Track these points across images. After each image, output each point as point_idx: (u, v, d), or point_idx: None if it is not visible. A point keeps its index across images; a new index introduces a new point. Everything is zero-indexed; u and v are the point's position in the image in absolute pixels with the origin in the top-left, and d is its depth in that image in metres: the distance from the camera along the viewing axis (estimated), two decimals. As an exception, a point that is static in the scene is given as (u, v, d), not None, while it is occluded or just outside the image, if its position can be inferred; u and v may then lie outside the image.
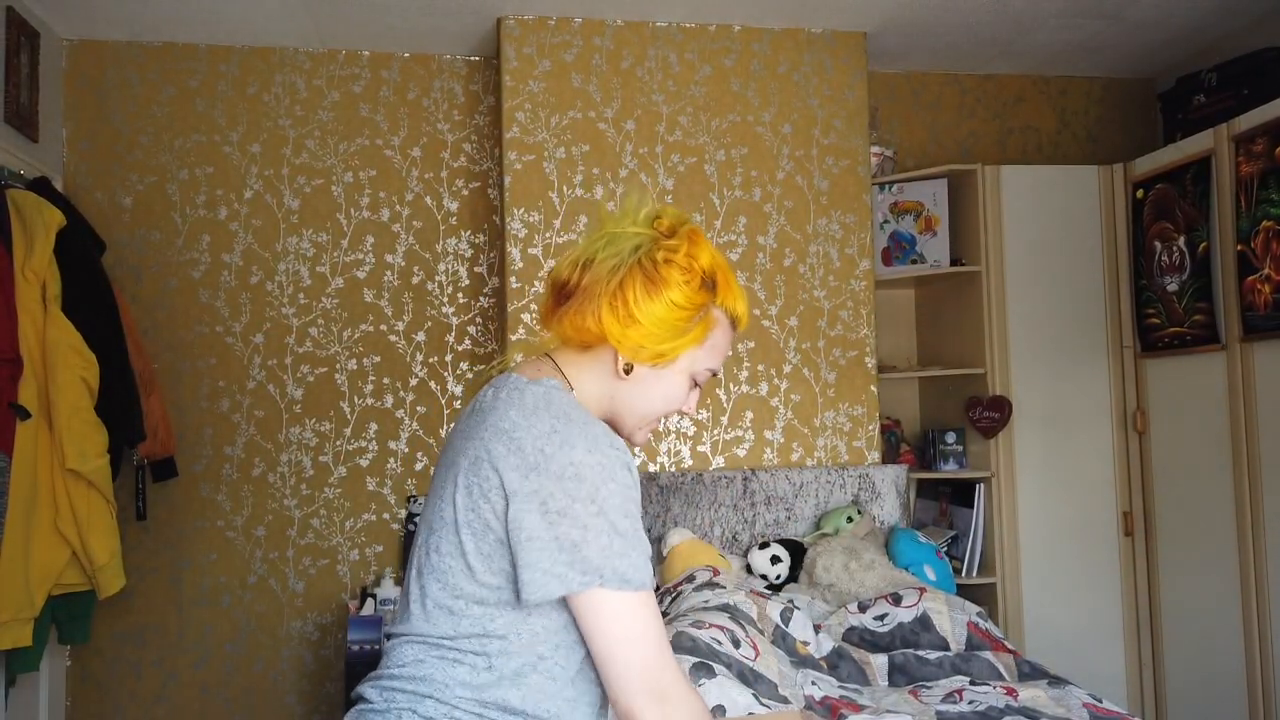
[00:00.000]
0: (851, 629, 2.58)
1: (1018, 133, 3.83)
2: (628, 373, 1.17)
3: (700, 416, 3.19)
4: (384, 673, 1.14)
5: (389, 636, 1.18)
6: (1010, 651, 2.47)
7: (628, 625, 1.05)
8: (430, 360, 3.36)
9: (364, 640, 2.79)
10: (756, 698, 2.03)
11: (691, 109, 3.24)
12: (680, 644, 2.19)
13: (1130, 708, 3.21)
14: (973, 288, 3.34)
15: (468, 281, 3.39)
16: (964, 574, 3.24)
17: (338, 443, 3.29)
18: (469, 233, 3.41)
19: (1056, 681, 2.25)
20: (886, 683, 2.36)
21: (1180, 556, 3.13)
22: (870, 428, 3.28)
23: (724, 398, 3.21)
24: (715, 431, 3.20)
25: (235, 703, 3.19)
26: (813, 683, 2.21)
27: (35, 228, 2.42)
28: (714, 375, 1.22)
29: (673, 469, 3.16)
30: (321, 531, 3.26)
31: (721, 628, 2.27)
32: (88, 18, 3.07)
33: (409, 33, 3.23)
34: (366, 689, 1.14)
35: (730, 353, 1.11)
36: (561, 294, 1.19)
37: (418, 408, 3.33)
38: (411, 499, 3.29)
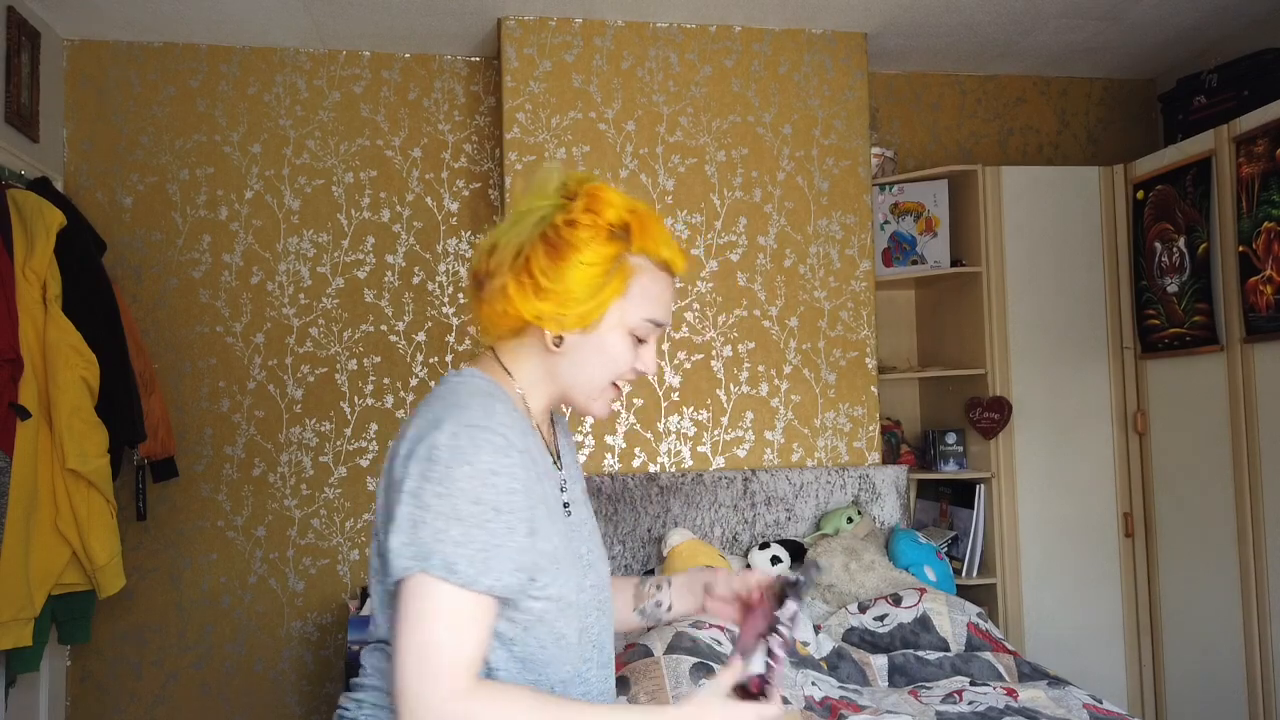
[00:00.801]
0: (851, 629, 2.58)
1: (1018, 133, 3.83)
2: (558, 345, 1.12)
3: (702, 417, 3.19)
4: (355, 681, 1.15)
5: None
6: (1010, 652, 2.47)
7: (432, 624, 0.96)
8: (430, 360, 3.36)
9: (364, 641, 2.79)
10: (756, 698, 2.03)
11: (692, 109, 3.24)
12: (680, 644, 2.19)
13: (1130, 708, 3.21)
14: (973, 288, 3.34)
15: (468, 282, 3.39)
16: (964, 575, 3.24)
17: (338, 443, 3.29)
18: (469, 233, 3.41)
19: (1056, 682, 2.25)
20: (886, 683, 2.36)
21: (1180, 557, 3.12)
22: (870, 428, 3.28)
23: (724, 398, 3.21)
24: (715, 432, 3.20)
25: (235, 703, 3.19)
26: (813, 683, 2.21)
27: (36, 228, 2.42)
28: (658, 327, 1.14)
29: (673, 469, 3.16)
30: (322, 532, 3.26)
31: (721, 628, 2.27)
32: (88, 18, 3.07)
33: (410, 33, 3.23)
34: (343, 697, 1.16)
35: (674, 302, 1.10)
36: (478, 284, 1.16)
37: (418, 408, 3.33)
38: (412, 499, 3.29)
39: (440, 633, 0.96)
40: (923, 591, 2.64)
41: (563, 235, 1.09)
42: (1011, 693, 2.15)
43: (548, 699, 1.02)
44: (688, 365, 3.19)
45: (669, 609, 1.35)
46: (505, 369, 1.16)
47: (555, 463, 1.20)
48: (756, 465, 3.21)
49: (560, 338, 1.11)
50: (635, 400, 3.16)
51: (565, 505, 1.17)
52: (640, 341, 1.14)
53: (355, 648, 2.77)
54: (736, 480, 3.10)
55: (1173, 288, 3.09)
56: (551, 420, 1.27)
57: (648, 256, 1.12)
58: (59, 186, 3.08)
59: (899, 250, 3.43)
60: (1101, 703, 2.09)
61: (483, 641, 0.99)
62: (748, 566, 2.94)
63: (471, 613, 0.98)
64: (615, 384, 1.15)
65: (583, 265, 1.08)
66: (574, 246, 1.08)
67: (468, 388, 1.08)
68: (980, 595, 3.27)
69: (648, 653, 2.16)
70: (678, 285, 1.18)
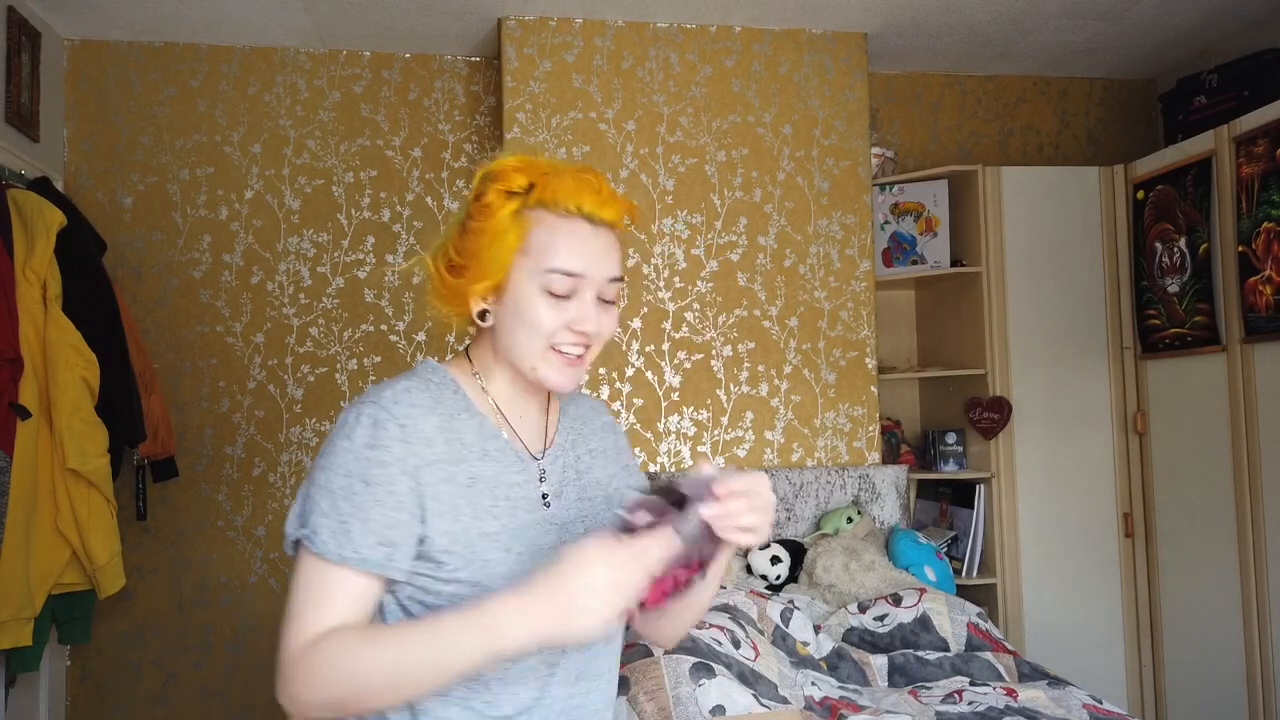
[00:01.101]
0: (851, 629, 2.58)
1: (1018, 134, 3.83)
2: (484, 320, 1.10)
3: (702, 417, 3.19)
4: None
5: None
6: (1010, 652, 2.47)
7: (298, 591, 1.00)
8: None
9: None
10: (756, 698, 2.03)
11: (692, 110, 3.24)
12: (681, 644, 2.19)
13: (1130, 709, 3.21)
14: (973, 289, 3.34)
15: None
16: (964, 575, 3.24)
17: (338, 443, 3.29)
18: (469, 233, 3.41)
19: (1056, 682, 2.25)
20: (886, 683, 2.36)
21: (1180, 558, 3.12)
22: (870, 428, 3.28)
23: (724, 398, 3.21)
24: (715, 432, 3.20)
25: (235, 703, 3.19)
26: (813, 683, 2.22)
27: (36, 228, 2.42)
28: (572, 277, 1.06)
29: (673, 469, 3.16)
30: (322, 531, 3.26)
31: (721, 628, 2.27)
32: (89, 18, 3.07)
33: (410, 33, 3.23)
34: None
35: (588, 249, 1.06)
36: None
37: (418, 408, 3.33)
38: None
39: (302, 602, 0.99)
40: (922, 591, 2.64)
41: (472, 212, 1.10)
42: (1011, 693, 2.15)
43: (378, 628, 1.02)
44: (688, 365, 3.19)
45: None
46: (469, 358, 1.16)
47: (532, 451, 1.15)
48: (756, 465, 3.20)
49: (485, 312, 1.10)
50: (635, 400, 3.16)
51: (543, 496, 1.13)
52: (562, 297, 1.06)
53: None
54: (736, 480, 3.09)
55: (1173, 288, 3.09)
56: (549, 409, 1.21)
57: (546, 208, 1.07)
58: (59, 186, 3.09)
59: (899, 250, 3.43)
60: (1101, 703, 2.09)
61: (347, 611, 0.99)
62: (747, 567, 2.94)
63: (333, 583, 0.99)
64: (556, 349, 1.08)
65: (483, 233, 1.07)
66: (479, 217, 1.09)
67: (406, 375, 1.11)
68: (980, 595, 3.27)
69: (647, 652, 2.16)
70: (623, 232, 1.15)
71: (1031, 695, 2.13)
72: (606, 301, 1.10)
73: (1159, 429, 3.21)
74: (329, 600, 0.99)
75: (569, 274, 1.06)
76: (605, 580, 0.89)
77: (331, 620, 0.98)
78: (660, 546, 0.92)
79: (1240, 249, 2.79)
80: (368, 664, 0.93)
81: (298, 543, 1.03)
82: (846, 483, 3.17)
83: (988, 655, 2.43)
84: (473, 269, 1.08)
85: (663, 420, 3.17)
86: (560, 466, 1.17)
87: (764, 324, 3.24)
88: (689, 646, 2.16)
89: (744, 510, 0.97)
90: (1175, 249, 3.08)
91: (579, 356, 1.09)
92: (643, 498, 0.98)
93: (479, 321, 1.11)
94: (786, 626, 2.44)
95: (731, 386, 3.22)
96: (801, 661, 2.33)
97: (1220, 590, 2.92)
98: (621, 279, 1.12)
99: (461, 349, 1.19)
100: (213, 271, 3.26)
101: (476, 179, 1.12)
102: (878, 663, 2.41)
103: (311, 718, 0.97)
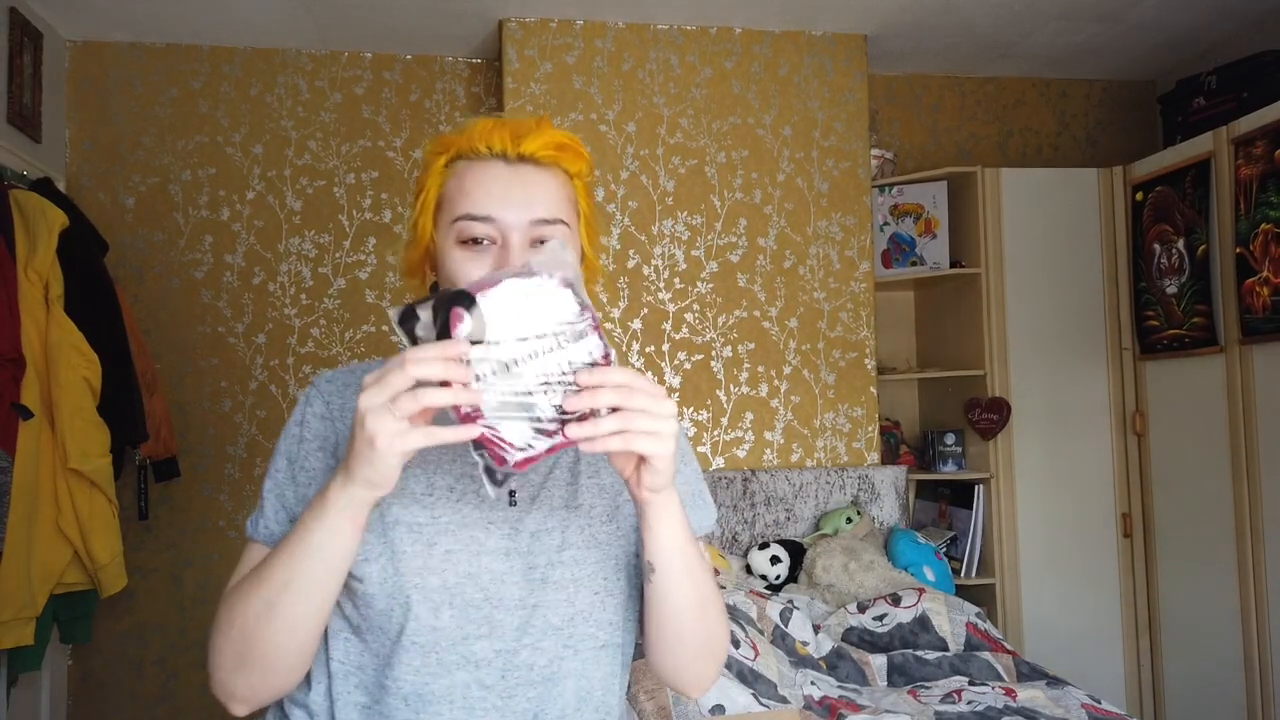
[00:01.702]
0: (851, 629, 2.59)
1: (1018, 135, 3.84)
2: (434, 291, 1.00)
3: (702, 418, 3.20)
4: None
5: None
6: (1009, 652, 2.47)
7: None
8: (431, 361, 3.36)
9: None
10: (756, 697, 2.04)
11: (692, 111, 3.25)
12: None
13: (1129, 709, 3.22)
14: (972, 290, 3.35)
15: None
16: (963, 575, 3.24)
17: (339, 443, 3.29)
18: (470, 234, 3.41)
19: (1055, 682, 2.26)
20: (885, 683, 2.37)
21: (1179, 558, 3.13)
22: (870, 429, 3.29)
23: (724, 399, 3.22)
24: (715, 432, 3.21)
25: (236, 702, 3.19)
26: (812, 683, 2.22)
27: (38, 228, 2.43)
28: (477, 221, 0.93)
29: (673, 470, 3.17)
30: (322, 531, 3.27)
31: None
32: (91, 19, 3.08)
33: (411, 35, 3.24)
34: None
35: (499, 190, 0.92)
36: None
37: (419, 408, 3.34)
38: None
39: (232, 578, 0.95)
40: (922, 591, 2.65)
41: (416, 185, 1.03)
42: (1010, 693, 2.15)
43: (254, 568, 0.92)
44: (688, 366, 3.20)
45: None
46: None
47: None
48: (756, 465, 3.21)
49: (435, 285, 1.01)
50: (635, 401, 3.16)
51: (510, 494, 0.98)
52: (478, 245, 0.93)
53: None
54: (736, 480, 3.11)
55: (1172, 289, 3.10)
56: None
57: (463, 156, 0.96)
58: (61, 187, 3.09)
59: (898, 251, 3.43)
60: (1100, 703, 2.10)
61: (242, 592, 0.93)
62: (747, 567, 2.95)
63: (252, 560, 0.95)
64: None
65: (417, 198, 1.00)
66: (416, 186, 1.02)
67: (374, 360, 1.08)
68: (979, 595, 3.27)
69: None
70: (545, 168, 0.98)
71: (1030, 695, 2.14)
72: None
73: (1157, 430, 3.22)
74: (241, 573, 0.95)
75: (474, 218, 0.92)
76: (372, 401, 0.77)
77: None
78: (438, 352, 0.76)
79: (1238, 250, 2.79)
80: (245, 598, 0.87)
81: None
82: (846, 483, 3.18)
83: (986, 655, 2.43)
84: (414, 236, 1.01)
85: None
86: (548, 464, 1.01)
87: (764, 325, 3.25)
88: (689, 646, 2.17)
89: (635, 413, 0.79)
90: (1174, 250, 3.09)
91: None
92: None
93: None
94: (786, 626, 2.45)
95: (731, 387, 3.22)
96: (801, 661, 2.34)
97: (1218, 590, 2.93)
98: (557, 220, 0.94)
99: None
100: (214, 272, 3.27)
101: (424, 149, 1.05)
102: (877, 662, 2.42)
103: (236, 693, 0.90)
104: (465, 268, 0.92)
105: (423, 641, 0.92)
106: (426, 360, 0.76)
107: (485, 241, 0.92)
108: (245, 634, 0.87)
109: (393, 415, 0.76)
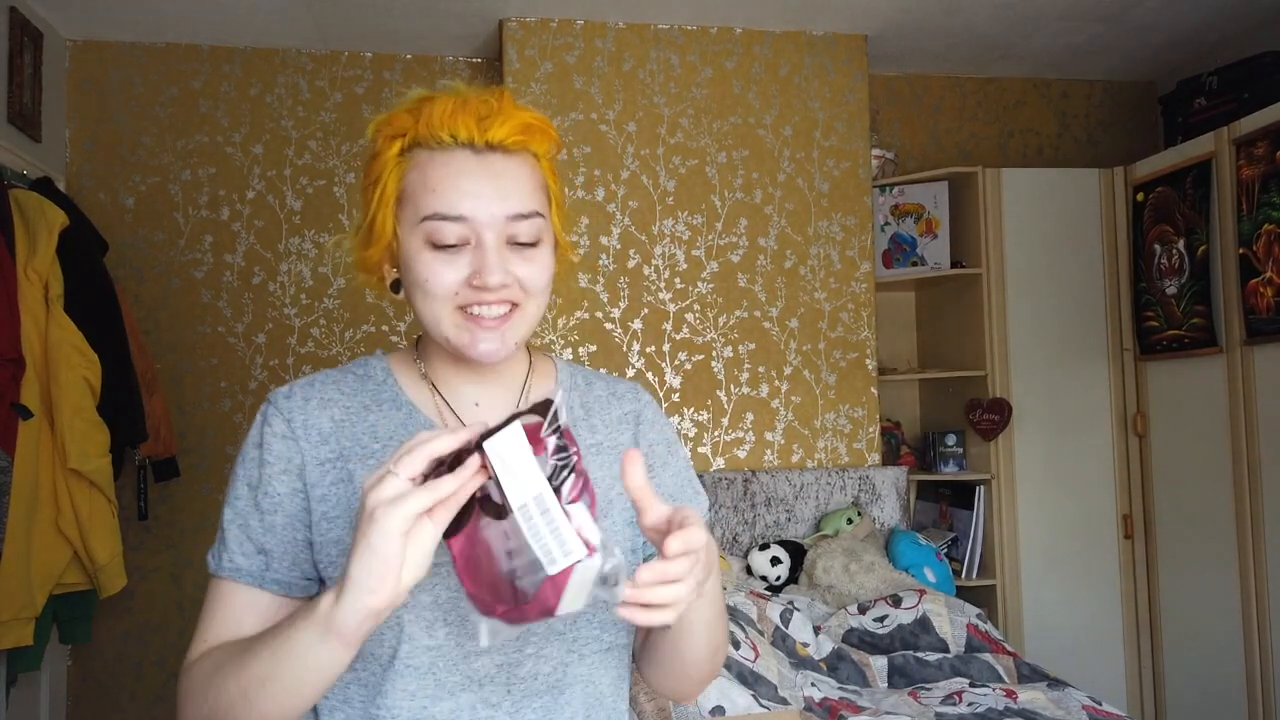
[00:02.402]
0: (851, 630, 2.59)
1: (1018, 135, 3.84)
2: (396, 291, 0.94)
3: (702, 418, 3.19)
4: None
5: None
6: (1010, 654, 2.47)
7: (200, 614, 0.90)
8: (431, 361, 3.36)
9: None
10: (756, 699, 2.04)
11: (693, 111, 3.25)
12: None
13: (1130, 710, 3.21)
14: (973, 290, 3.35)
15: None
16: (964, 576, 3.24)
17: (339, 443, 3.29)
18: (470, 234, 3.41)
19: (1056, 684, 2.26)
20: (886, 684, 2.37)
21: (1180, 559, 3.13)
22: (870, 430, 3.29)
23: (725, 399, 3.21)
24: (716, 433, 3.20)
25: (236, 702, 3.19)
26: (812, 684, 2.22)
27: (38, 228, 2.43)
28: (448, 220, 0.85)
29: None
30: (322, 532, 3.26)
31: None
32: (91, 18, 3.07)
33: (411, 34, 3.24)
34: None
35: (470, 184, 0.86)
36: None
37: (419, 408, 3.33)
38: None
39: (200, 622, 0.88)
40: (922, 593, 2.65)
41: (367, 172, 0.93)
42: (1011, 694, 2.15)
43: (234, 643, 0.83)
44: (688, 366, 3.20)
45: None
46: (417, 342, 1.00)
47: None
48: (757, 466, 3.21)
49: (397, 281, 0.93)
50: (636, 401, 3.16)
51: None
52: (451, 247, 0.86)
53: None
54: (737, 481, 3.10)
55: (1171, 290, 3.09)
56: (528, 391, 1.01)
57: (422, 144, 0.87)
58: (61, 187, 3.09)
59: (899, 252, 3.43)
60: (1101, 704, 2.09)
61: (223, 628, 0.86)
62: (747, 568, 2.95)
63: (216, 598, 0.88)
64: (467, 311, 0.87)
65: (370, 188, 0.90)
66: (367, 172, 0.92)
67: (336, 369, 0.99)
68: (980, 597, 3.27)
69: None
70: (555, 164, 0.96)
71: (1031, 697, 2.13)
72: (523, 244, 0.88)
73: (1158, 430, 3.22)
74: (211, 616, 0.87)
75: (446, 218, 0.85)
76: (382, 531, 0.69)
77: (212, 639, 0.86)
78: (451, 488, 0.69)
79: (1240, 251, 2.79)
80: (221, 679, 0.80)
81: None
82: (846, 484, 3.17)
83: (987, 656, 2.43)
84: (372, 232, 0.91)
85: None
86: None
87: (764, 325, 3.25)
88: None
89: (682, 575, 0.72)
90: (1174, 251, 3.08)
91: (501, 317, 0.88)
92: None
93: (393, 293, 0.94)
94: (786, 627, 2.45)
95: (732, 387, 3.22)
96: (801, 662, 2.34)
97: (1220, 592, 2.93)
98: (534, 214, 0.88)
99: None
100: (214, 272, 3.27)
101: (370, 130, 0.92)
102: (877, 664, 2.42)
103: None
104: (440, 273, 0.86)
105: (418, 664, 0.86)
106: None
107: (459, 244, 0.86)
108: (219, 715, 0.80)
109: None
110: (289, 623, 0.76)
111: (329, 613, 0.72)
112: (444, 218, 0.85)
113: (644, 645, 0.99)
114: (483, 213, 0.85)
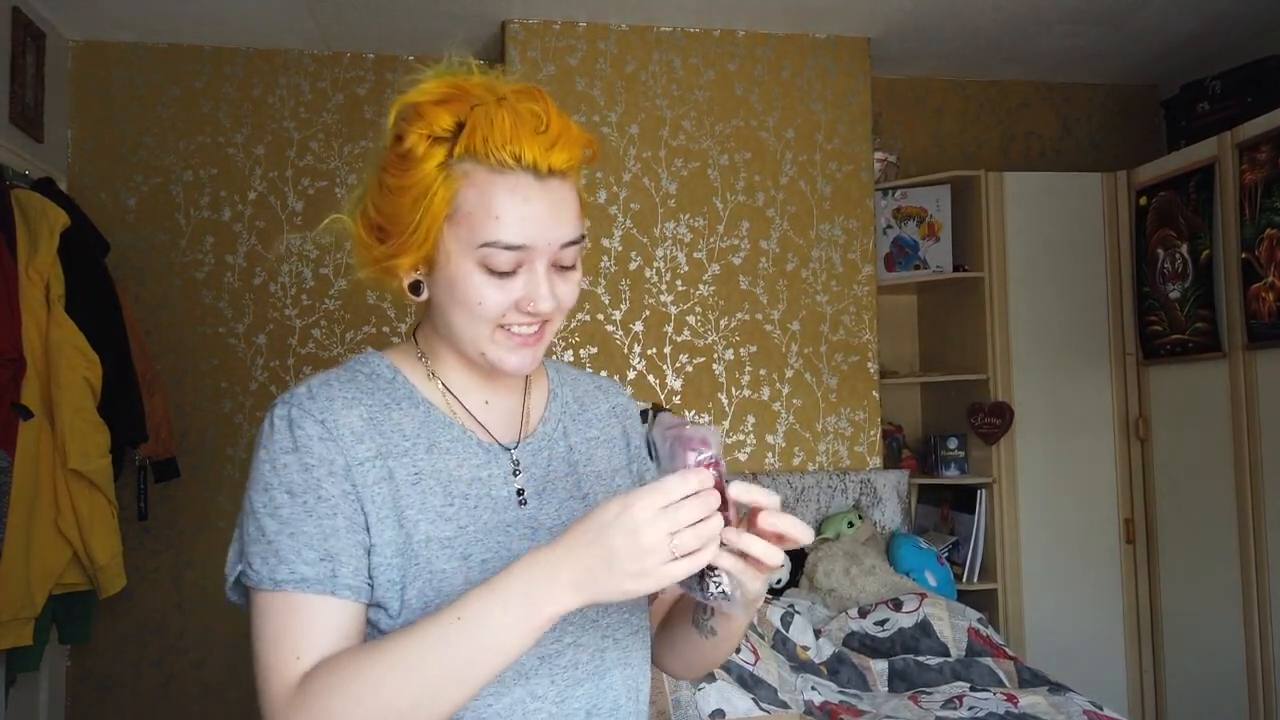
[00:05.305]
0: (852, 634, 2.58)
1: (1021, 139, 3.83)
2: (418, 293, 0.91)
3: (703, 421, 3.19)
4: None
5: None
6: (1011, 658, 2.47)
7: (256, 637, 0.84)
8: (432, 362, 3.36)
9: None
10: (756, 702, 2.03)
11: (695, 113, 3.25)
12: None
13: (1131, 715, 3.20)
14: (975, 293, 3.34)
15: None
16: (965, 580, 3.23)
17: (339, 444, 3.29)
18: (472, 235, 3.41)
19: (1057, 688, 2.25)
20: (887, 688, 2.36)
21: (1182, 564, 3.12)
22: (872, 433, 3.28)
23: (726, 402, 3.21)
24: (717, 435, 3.20)
25: (235, 703, 3.19)
26: (813, 688, 2.21)
27: (39, 228, 2.43)
28: (511, 250, 0.84)
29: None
30: (322, 533, 3.26)
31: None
32: (93, 19, 3.07)
33: (413, 36, 3.24)
34: None
35: (533, 213, 0.84)
36: None
37: (419, 410, 3.33)
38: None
39: (262, 645, 0.83)
40: (923, 596, 2.64)
41: (389, 163, 0.89)
42: (1012, 698, 2.14)
43: (377, 643, 0.80)
44: (689, 369, 3.20)
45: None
46: (416, 340, 0.98)
47: (502, 441, 0.96)
48: (758, 469, 3.21)
49: (417, 284, 0.90)
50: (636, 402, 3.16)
51: (519, 492, 0.94)
52: (506, 274, 0.85)
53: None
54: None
55: (1175, 294, 3.09)
56: (529, 390, 1.02)
57: (477, 159, 0.84)
58: (63, 187, 3.09)
59: (901, 255, 3.43)
60: (1102, 709, 2.09)
61: (327, 640, 0.82)
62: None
63: (283, 616, 0.83)
64: (505, 328, 0.88)
65: (403, 191, 0.86)
66: (396, 171, 0.87)
67: (349, 361, 0.97)
68: (981, 600, 3.26)
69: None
70: (580, 184, 0.91)
71: (1032, 701, 2.13)
72: (564, 268, 0.89)
73: (1160, 435, 3.21)
74: (285, 636, 0.82)
75: (510, 248, 0.84)
76: (653, 537, 0.74)
77: (312, 653, 0.81)
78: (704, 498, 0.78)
79: (1243, 255, 2.78)
80: (377, 683, 0.76)
81: (243, 584, 0.88)
82: (848, 487, 3.17)
83: (988, 661, 2.43)
84: (396, 236, 0.88)
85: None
86: (545, 458, 0.97)
87: (766, 328, 3.24)
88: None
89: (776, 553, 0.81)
90: (1177, 255, 3.08)
91: (535, 334, 0.89)
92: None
93: (412, 295, 0.91)
94: (787, 631, 2.44)
95: (733, 390, 3.22)
96: (801, 666, 2.33)
97: (1221, 597, 2.92)
98: (580, 240, 0.89)
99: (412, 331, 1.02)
100: (215, 272, 3.27)
101: (392, 115, 0.89)
102: (878, 667, 2.41)
103: None
104: (493, 296, 0.86)
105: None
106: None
107: (513, 270, 0.86)
108: None
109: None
110: (476, 605, 0.77)
111: (539, 592, 0.75)
112: (506, 247, 0.84)
113: (665, 636, 1.04)
114: (540, 241, 0.85)
